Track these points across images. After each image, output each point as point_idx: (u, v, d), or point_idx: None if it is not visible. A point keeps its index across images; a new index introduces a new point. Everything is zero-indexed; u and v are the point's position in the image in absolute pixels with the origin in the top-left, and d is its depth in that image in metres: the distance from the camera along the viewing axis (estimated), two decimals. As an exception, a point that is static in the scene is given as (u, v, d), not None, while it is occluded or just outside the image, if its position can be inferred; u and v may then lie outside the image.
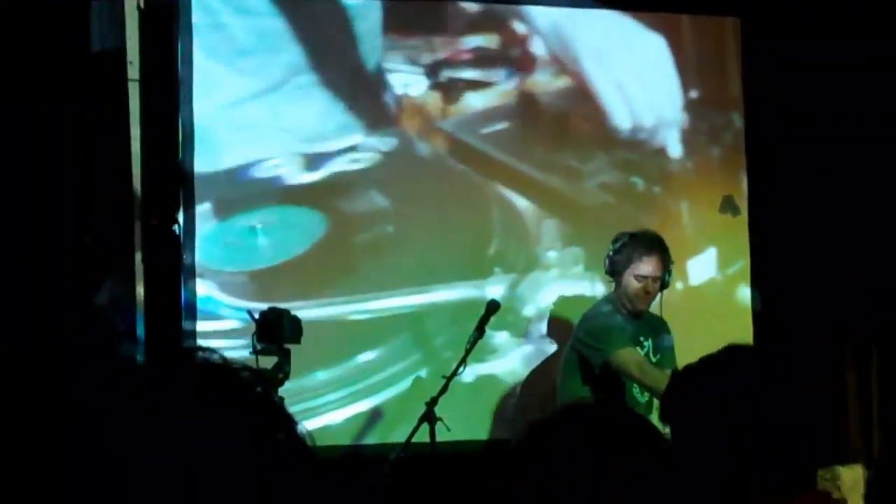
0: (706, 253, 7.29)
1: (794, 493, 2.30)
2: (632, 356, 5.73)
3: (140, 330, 6.25)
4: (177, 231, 6.34)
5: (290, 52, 6.62)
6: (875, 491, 2.98)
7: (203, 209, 6.39)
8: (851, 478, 5.80)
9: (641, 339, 5.94)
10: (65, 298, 6.09)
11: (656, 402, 5.77)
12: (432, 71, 6.85)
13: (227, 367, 1.65)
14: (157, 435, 1.57)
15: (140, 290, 6.27)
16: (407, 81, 6.81)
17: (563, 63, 7.09)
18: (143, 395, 1.62)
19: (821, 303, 7.45)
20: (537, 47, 7.06)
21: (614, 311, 5.90)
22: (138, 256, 6.29)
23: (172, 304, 6.34)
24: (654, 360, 5.93)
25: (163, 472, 1.56)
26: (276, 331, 5.38)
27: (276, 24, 6.60)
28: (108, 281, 6.23)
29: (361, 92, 6.73)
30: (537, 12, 7.05)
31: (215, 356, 1.67)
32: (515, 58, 7.03)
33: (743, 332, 7.28)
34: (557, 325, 6.82)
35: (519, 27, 7.03)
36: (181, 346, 5.99)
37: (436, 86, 6.86)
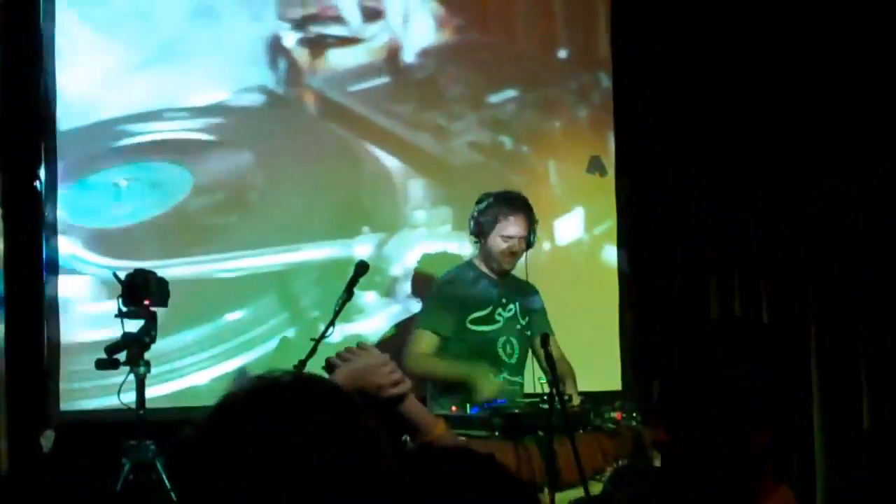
0: (573, 213, 7.32)
1: None
2: (424, 340, 5.79)
3: (0, 287, 6.11)
4: (38, 186, 6.20)
5: (165, 6, 6.50)
6: None
7: (66, 164, 6.25)
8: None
9: (505, 301, 5.93)
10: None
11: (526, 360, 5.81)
12: (301, 26, 6.76)
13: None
14: None
15: (0, 245, 6.13)
16: (277, 37, 6.71)
17: (433, 21, 7.05)
18: None
19: (685, 262, 7.55)
20: (410, 3, 7.01)
21: (479, 276, 5.89)
22: (-1, 211, 6.15)
23: (34, 261, 6.21)
24: (522, 322, 5.92)
25: None
26: (142, 294, 5.30)
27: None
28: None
29: (231, 48, 6.61)
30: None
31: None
32: (387, 14, 6.97)
33: (609, 292, 7.37)
34: (421, 284, 6.81)
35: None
36: None
37: (305, 41, 6.77)
